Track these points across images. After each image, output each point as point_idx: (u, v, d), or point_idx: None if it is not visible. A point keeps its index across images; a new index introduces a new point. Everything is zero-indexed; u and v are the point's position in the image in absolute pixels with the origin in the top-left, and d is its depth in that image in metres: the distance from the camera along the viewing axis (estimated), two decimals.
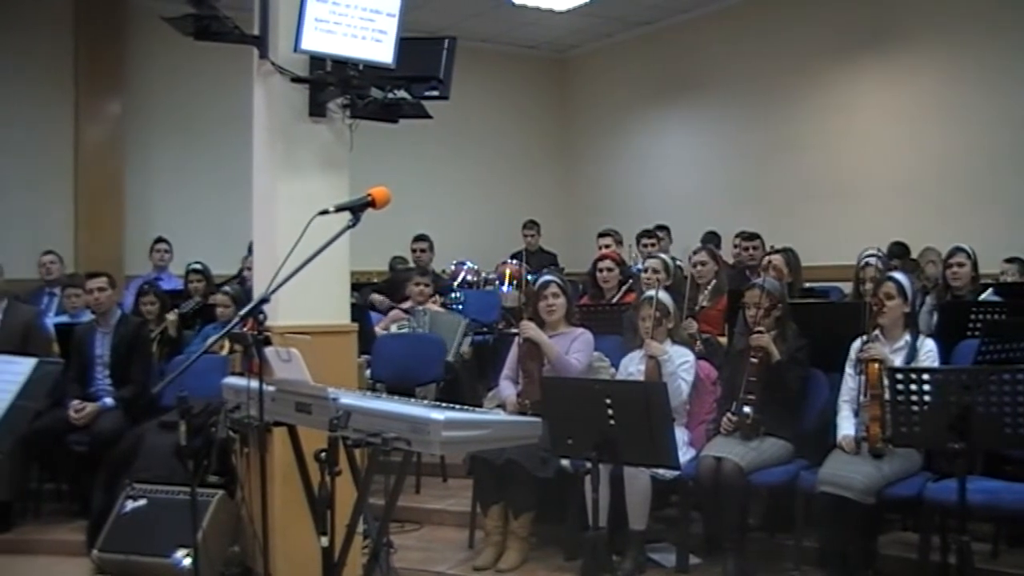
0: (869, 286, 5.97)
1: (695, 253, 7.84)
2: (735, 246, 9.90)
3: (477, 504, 6.28)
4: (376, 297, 9.60)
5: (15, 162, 10.92)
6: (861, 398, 5.38)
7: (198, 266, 9.06)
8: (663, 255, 8.04)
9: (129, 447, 6.44)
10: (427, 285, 8.73)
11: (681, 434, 5.76)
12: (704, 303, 7.53)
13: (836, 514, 5.15)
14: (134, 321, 7.43)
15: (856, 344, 5.54)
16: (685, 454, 5.63)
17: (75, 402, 6.90)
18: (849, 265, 7.52)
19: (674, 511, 6.08)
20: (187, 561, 5.18)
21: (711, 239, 10.23)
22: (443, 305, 9.01)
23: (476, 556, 6.12)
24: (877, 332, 5.48)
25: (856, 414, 5.44)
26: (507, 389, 6.32)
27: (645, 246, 9.69)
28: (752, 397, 5.60)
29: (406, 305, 8.70)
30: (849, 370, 5.56)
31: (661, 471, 5.51)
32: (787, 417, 5.71)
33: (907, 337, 5.48)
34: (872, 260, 6.93)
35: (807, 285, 7.84)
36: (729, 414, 5.70)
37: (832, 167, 10.71)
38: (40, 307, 8.65)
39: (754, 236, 9.46)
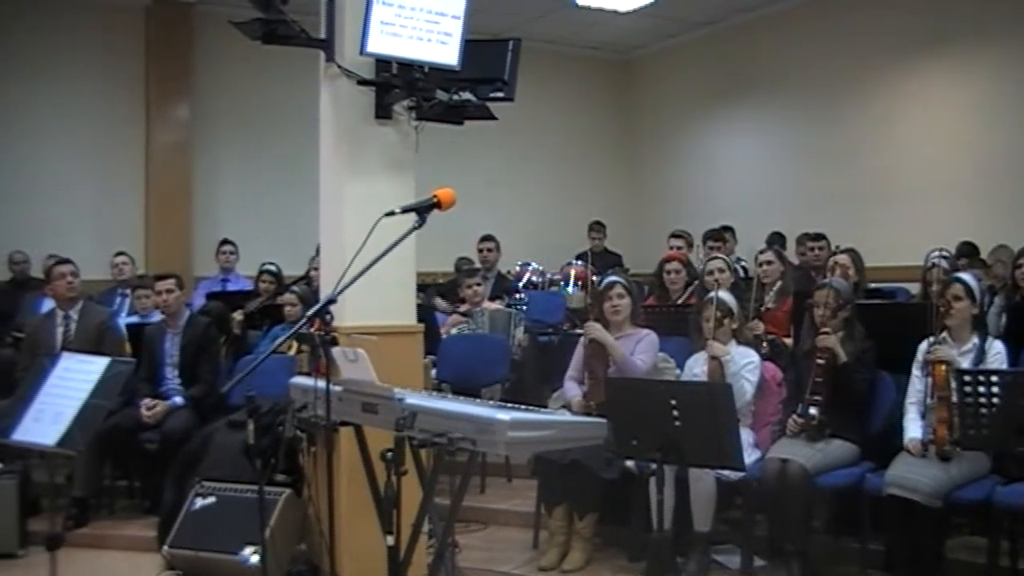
0: (936, 287, 5.91)
1: (761, 253, 7.79)
2: (800, 252, 9.83)
3: (542, 504, 6.29)
4: (440, 302, 9.63)
5: (89, 166, 11.18)
6: (928, 400, 5.33)
7: (272, 267, 9.15)
8: (721, 255, 7.99)
9: (198, 445, 6.51)
10: (479, 284, 8.74)
11: (746, 435, 5.72)
12: (769, 304, 7.47)
13: (903, 517, 5.09)
14: (202, 321, 7.52)
15: (923, 346, 5.49)
16: (750, 455, 5.59)
17: (146, 401, 7.01)
18: (916, 266, 7.44)
19: (739, 513, 6.03)
20: (255, 558, 5.24)
21: (776, 240, 10.16)
22: (508, 305, 9.02)
23: (540, 556, 6.13)
24: (944, 334, 5.41)
25: (923, 416, 5.38)
26: (572, 390, 6.33)
27: (712, 247, 9.65)
28: (818, 398, 5.55)
29: (464, 308, 8.73)
30: (916, 372, 5.51)
31: (726, 472, 5.48)
32: (853, 419, 5.65)
33: (975, 339, 5.42)
34: (939, 261, 6.85)
35: (873, 286, 7.75)
36: (795, 415, 5.66)
37: (899, 166, 10.60)
38: (112, 307, 8.77)
39: (820, 236, 9.38)
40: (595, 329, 6.20)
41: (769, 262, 7.60)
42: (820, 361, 5.57)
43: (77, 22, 11.13)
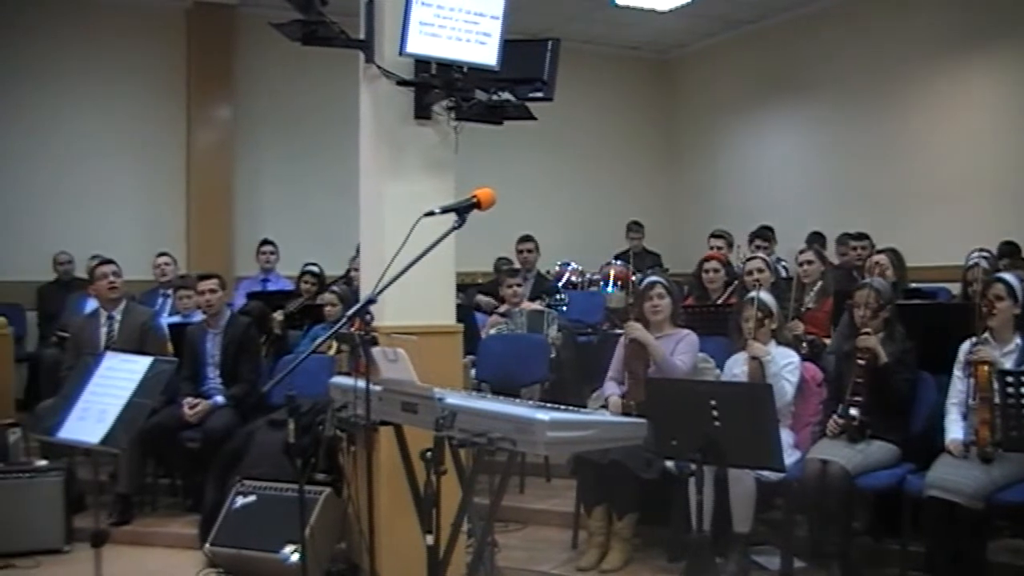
0: (977, 287, 5.86)
1: (801, 253, 7.76)
2: (841, 253, 9.77)
3: (581, 504, 6.29)
4: (482, 298, 9.65)
5: (131, 167, 11.32)
6: (970, 401, 5.26)
7: (314, 268, 9.21)
8: (761, 255, 7.97)
9: (239, 444, 6.57)
10: (519, 285, 8.74)
11: (787, 436, 5.69)
12: (810, 304, 7.44)
13: (944, 519, 5.04)
14: (243, 321, 7.57)
15: (965, 346, 5.43)
16: (790, 456, 5.55)
17: (188, 400, 7.06)
18: (957, 265, 7.38)
19: (779, 514, 6.01)
20: (295, 557, 5.29)
21: (815, 239, 10.12)
22: (548, 306, 9.02)
23: (579, 556, 6.13)
24: (986, 334, 5.37)
25: (965, 417, 5.33)
26: (611, 390, 6.33)
27: (758, 247, 9.64)
28: (858, 399, 5.52)
29: (503, 308, 8.74)
30: (958, 372, 5.45)
31: (766, 473, 5.46)
32: (894, 420, 5.60)
33: (1017, 339, 5.35)
34: (980, 260, 6.79)
35: (914, 286, 7.70)
36: (835, 416, 5.63)
37: (939, 166, 10.51)
38: (154, 307, 8.84)
39: (862, 236, 9.32)
40: (636, 329, 6.20)
41: (810, 262, 7.58)
42: (860, 361, 5.53)
43: (119, 25, 11.24)
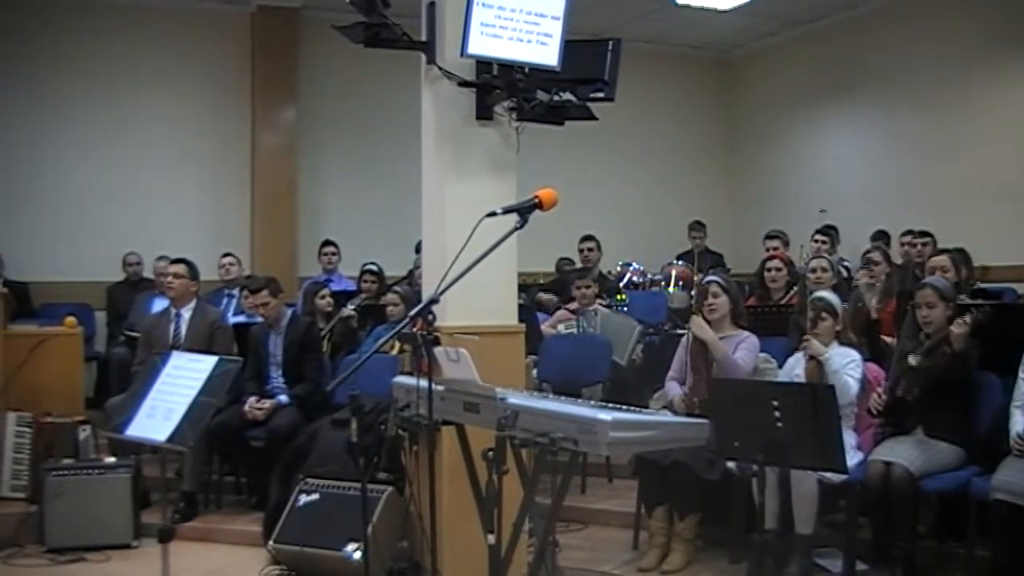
0: None
1: (867, 252, 7.69)
2: (902, 244, 9.67)
3: (642, 505, 6.28)
4: (543, 296, 9.64)
5: (197, 169, 11.49)
6: None
7: (373, 267, 9.25)
8: (824, 255, 7.91)
9: (303, 443, 6.63)
10: (589, 287, 8.72)
11: (849, 437, 5.64)
12: (874, 305, 7.38)
13: (1010, 523, 4.98)
14: (304, 321, 7.63)
15: None
16: (853, 458, 5.51)
17: (252, 399, 7.14)
18: (1022, 265, 7.26)
19: (841, 516, 5.96)
20: (357, 555, 5.34)
21: (881, 237, 10.02)
22: (607, 306, 9.01)
23: (640, 557, 6.12)
24: None
25: None
26: (673, 389, 6.32)
27: (816, 241, 9.59)
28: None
29: (573, 306, 8.73)
30: (1022, 374, 5.38)
31: (828, 475, 5.42)
32: (959, 421, 5.55)
33: None
34: None
35: (980, 286, 7.60)
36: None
37: (1003, 164, 10.34)
38: (219, 307, 8.93)
39: (925, 233, 9.22)
40: (698, 325, 6.19)
41: (876, 262, 7.51)
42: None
43: (185, 30, 11.41)
